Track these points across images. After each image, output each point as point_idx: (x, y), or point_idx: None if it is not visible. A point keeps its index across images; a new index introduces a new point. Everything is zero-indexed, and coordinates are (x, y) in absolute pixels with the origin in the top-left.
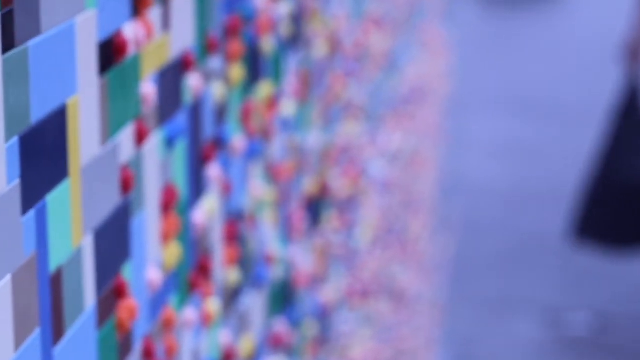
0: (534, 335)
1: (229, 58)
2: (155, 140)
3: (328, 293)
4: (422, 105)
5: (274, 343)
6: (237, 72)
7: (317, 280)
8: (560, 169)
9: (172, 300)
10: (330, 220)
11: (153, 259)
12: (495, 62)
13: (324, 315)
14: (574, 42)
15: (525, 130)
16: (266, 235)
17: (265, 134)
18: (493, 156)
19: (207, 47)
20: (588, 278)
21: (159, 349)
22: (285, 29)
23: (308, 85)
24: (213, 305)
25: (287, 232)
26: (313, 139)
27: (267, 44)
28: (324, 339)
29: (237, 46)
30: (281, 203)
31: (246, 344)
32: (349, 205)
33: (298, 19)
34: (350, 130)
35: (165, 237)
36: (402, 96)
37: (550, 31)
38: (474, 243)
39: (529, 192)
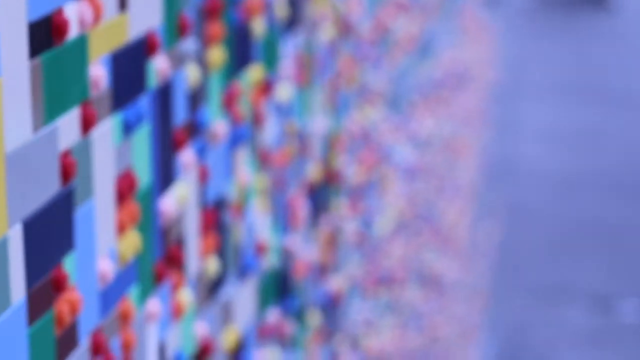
0: (585, 322)
1: (207, 40)
2: (108, 126)
3: (337, 282)
4: (460, 91)
5: (266, 334)
6: (217, 55)
7: (324, 269)
8: (613, 155)
9: (132, 292)
10: (341, 207)
11: (105, 249)
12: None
13: (331, 305)
14: (630, 33)
15: (579, 116)
16: (256, 224)
17: (257, 120)
18: (547, 142)
19: (178, 28)
20: (639, 265)
21: (114, 343)
22: (280, 11)
23: (310, 70)
24: (185, 296)
25: (284, 220)
26: (317, 124)
27: (258, 27)
28: (333, 329)
29: (216, 28)
30: (277, 190)
31: (230, 336)
32: (364, 192)
33: (297, 1)
34: (367, 116)
35: (122, 227)
36: (436, 82)
37: (606, 21)
38: (526, 229)
39: (582, 178)
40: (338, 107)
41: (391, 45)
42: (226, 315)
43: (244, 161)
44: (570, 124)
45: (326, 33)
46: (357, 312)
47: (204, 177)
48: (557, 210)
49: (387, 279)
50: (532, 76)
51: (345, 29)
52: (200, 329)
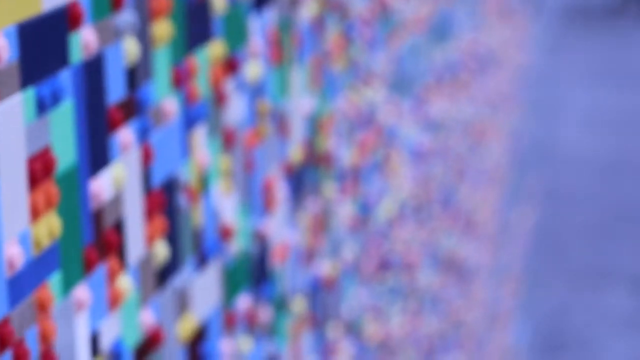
0: (624, 306)
1: (151, 14)
2: (16, 102)
3: (326, 267)
4: (485, 74)
5: (234, 322)
6: (163, 29)
7: (311, 253)
8: None
9: (52, 279)
10: (331, 190)
11: (14, 234)
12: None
13: (321, 291)
14: None
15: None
16: (220, 207)
17: (219, 98)
18: (589, 127)
19: (110, 0)
20: None
21: (30, 335)
22: None
23: (289, 48)
24: (124, 283)
25: (259, 203)
26: (300, 104)
27: (219, 1)
28: (324, 316)
29: (161, 1)
30: (249, 172)
31: (185, 325)
32: (362, 174)
33: None
34: (364, 97)
35: (36, 210)
36: (453, 64)
37: None
38: (566, 213)
39: (625, 163)
40: (326, 87)
41: (395, 26)
42: (181, 303)
43: (202, 141)
44: (610, 108)
45: (309, 9)
46: (355, 298)
47: (148, 158)
48: (597, 195)
49: (392, 263)
50: (572, 61)
51: (333, 6)
52: (147, 317)
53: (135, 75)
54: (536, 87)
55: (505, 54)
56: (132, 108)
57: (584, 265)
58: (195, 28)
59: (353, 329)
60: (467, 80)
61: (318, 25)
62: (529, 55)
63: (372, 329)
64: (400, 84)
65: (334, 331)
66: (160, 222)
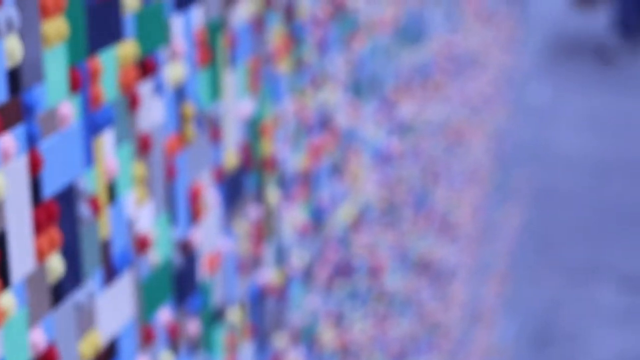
0: (614, 303)
1: (42, 12)
2: None
3: (269, 275)
4: (463, 75)
5: (151, 338)
6: (56, 28)
7: (253, 262)
8: None
9: None
10: (275, 196)
11: None
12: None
13: (263, 300)
14: None
15: (614, 101)
16: (134, 216)
17: (132, 102)
18: (581, 127)
19: None
20: None
21: None
22: None
23: (220, 49)
24: (5, 302)
25: (183, 212)
26: (236, 107)
27: (130, 1)
28: (269, 325)
29: None
30: (172, 179)
31: (89, 342)
32: (314, 179)
33: None
34: (315, 99)
35: None
36: (425, 66)
37: None
38: (558, 212)
39: (616, 162)
40: (268, 89)
41: (355, 27)
42: (84, 320)
43: (109, 148)
44: (602, 109)
45: (246, 8)
46: (306, 305)
47: (36, 166)
48: (589, 194)
49: (353, 268)
50: (564, 63)
51: (276, 5)
52: (38, 337)
53: (20, 78)
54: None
55: (486, 55)
56: (16, 113)
57: (575, 262)
58: (99, 27)
59: (305, 337)
60: (441, 82)
61: (257, 25)
62: (513, 55)
63: (328, 336)
64: (363, 86)
65: (281, 340)
66: (53, 234)
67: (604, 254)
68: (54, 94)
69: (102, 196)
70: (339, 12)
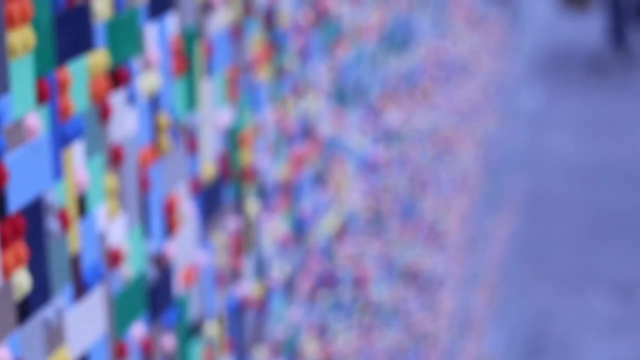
0: (607, 311)
1: (7, 22)
2: None
3: (248, 288)
4: (450, 82)
5: (123, 354)
6: (22, 38)
7: (232, 274)
8: (638, 146)
9: None
10: (254, 207)
11: None
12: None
13: (242, 313)
14: None
15: (607, 107)
16: (106, 229)
17: (103, 113)
18: (574, 132)
19: None
20: None
21: None
22: None
23: (197, 58)
24: None
25: (157, 224)
26: (212, 117)
27: (102, 8)
28: (249, 338)
29: (17, 7)
30: (144, 191)
31: (58, 358)
32: (296, 189)
33: None
34: (297, 108)
35: None
36: (413, 72)
37: None
38: (550, 219)
39: (609, 169)
40: (247, 98)
41: (339, 34)
42: (53, 336)
43: (79, 160)
44: (596, 115)
45: (224, 16)
46: (288, 317)
47: (1, 179)
48: (581, 201)
49: (336, 279)
50: (557, 68)
51: (255, 13)
52: (3, 355)
53: None
54: (519, 93)
55: (476, 61)
56: None
57: (566, 270)
58: (68, 36)
59: (286, 350)
60: (428, 89)
61: (235, 32)
62: (504, 62)
63: (311, 348)
64: (348, 94)
65: (261, 354)
66: (19, 250)
67: (596, 261)
68: (21, 106)
69: (72, 209)
70: (322, 19)
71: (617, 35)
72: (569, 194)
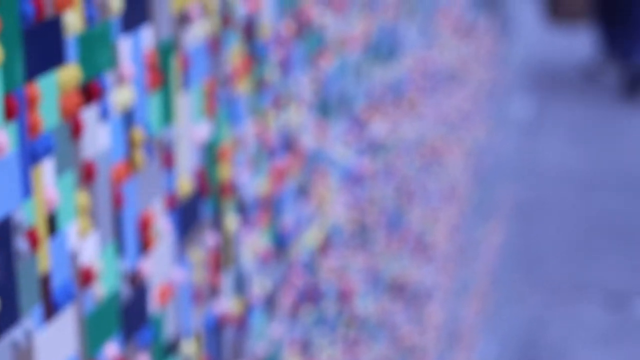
0: (599, 320)
1: None
2: None
3: (227, 304)
4: (438, 91)
5: None
6: None
7: (208, 291)
8: (631, 154)
9: None
10: (233, 222)
11: None
12: (568, 46)
13: (221, 330)
14: None
15: (598, 115)
16: (77, 248)
17: (75, 129)
18: (565, 141)
19: None
20: None
21: None
22: (103, 5)
23: (170, 71)
24: None
25: (131, 241)
26: (189, 131)
27: (73, 22)
28: (228, 356)
29: None
30: (117, 208)
31: None
32: (275, 203)
33: None
34: (278, 121)
35: None
36: (399, 83)
37: None
38: (543, 228)
39: (601, 177)
40: (226, 111)
41: (322, 45)
42: (21, 359)
43: (49, 178)
44: (588, 122)
45: (201, 29)
46: (269, 333)
47: None
48: (574, 209)
49: (320, 293)
50: (551, 74)
51: (234, 25)
52: None
53: None
54: (511, 101)
55: (465, 70)
56: None
57: (559, 279)
58: (38, 51)
59: None
60: (415, 99)
61: (213, 45)
62: (494, 70)
63: None
64: (331, 106)
65: None
66: None
67: (589, 270)
68: None
69: (42, 228)
70: (305, 30)
71: (609, 45)
72: (561, 202)
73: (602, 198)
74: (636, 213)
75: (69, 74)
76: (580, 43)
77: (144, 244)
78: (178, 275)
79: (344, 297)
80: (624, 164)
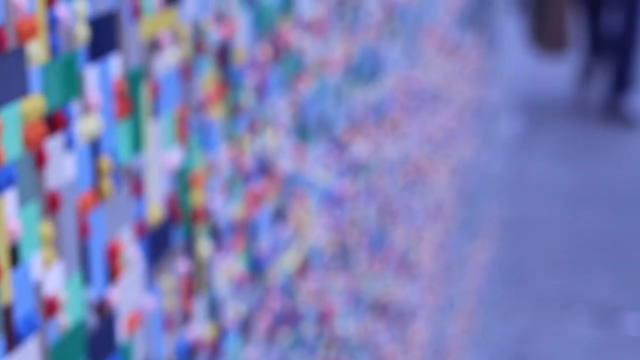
0: (589, 335)
1: None
2: None
3: (199, 330)
4: (422, 110)
5: None
6: None
7: (181, 317)
8: (618, 170)
9: None
10: (208, 248)
11: None
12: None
13: (194, 356)
14: None
15: (587, 134)
16: (41, 279)
17: (38, 159)
18: (553, 156)
19: None
20: None
21: None
22: (69, 34)
23: (140, 98)
24: None
25: (99, 270)
26: (159, 159)
27: (36, 52)
28: None
29: None
30: (84, 237)
31: None
32: (251, 228)
33: (107, 21)
34: (254, 145)
35: None
36: (381, 103)
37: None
38: (530, 244)
39: (588, 193)
40: (198, 137)
41: (301, 68)
42: None
43: (11, 209)
44: (574, 140)
45: (171, 55)
46: (244, 358)
47: None
48: (561, 225)
49: (298, 316)
50: (538, 93)
51: (207, 50)
52: None
53: None
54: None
55: (450, 89)
56: None
57: (547, 295)
58: (0, 83)
59: None
60: (398, 119)
61: (185, 71)
62: (481, 88)
63: None
64: (310, 129)
65: None
66: None
67: (576, 286)
68: None
69: (3, 260)
70: (282, 53)
71: (585, 78)
72: (547, 219)
73: (589, 215)
74: (622, 229)
75: (33, 104)
76: (568, 62)
77: (112, 272)
78: (148, 302)
79: (323, 318)
80: (610, 181)
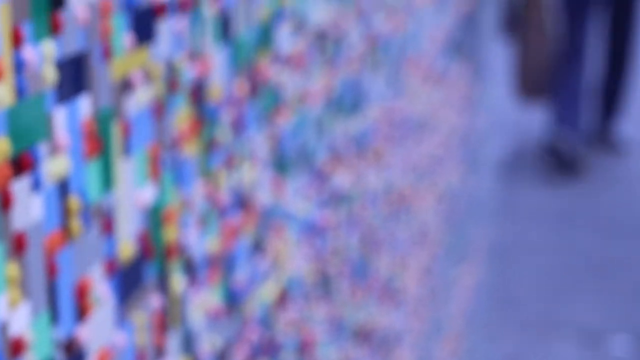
0: (576, 356)
1: None
2: None
3: None
4: (407, 139)
5: None
6: None
7: (154, 353)
8: (606, 194)
9: None
10: (181, 284)
11: None
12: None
13: None
14: None
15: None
16: (7, 320)
17: (4, 202)
18: (539, 181)
19: None
20: (630, 300)
21: None
22: (36, 76)
23: (110, 138)
24: None
25: (67, 309)
26: (131, 197)
27: (2, 96)
28: None
29: None
30: (52, 277)
31: None
32: (227, 261)
33: (77, 62)
34: (230, 180)
35: None
36: (364, 134)
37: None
38: (518, 266)
39: (576, 215)
40: (171, 174)
41: (279, 102)
42: None
43: None
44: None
45: (143, 94)
46: None
47: None
48: (549, 248)
49: (277, 346)
50: (526, 121)
51: (180, 88)
52: None
53: None
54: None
55: (435, 117)
56: None
57: (534, 318)
58: None
59: None
60: (381, 150)
61: (158, 110)
62: (467, 116)
63: None
64: (289, 162)
65: None
66: None
67: (563, 308)
68: None
69: None
70: (260, 88)
71: (567, 125)
72: (535, 242)
73: (575, 238)
74: (609, 252)
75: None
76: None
77: (81, 311)
78: (119, 339)
79: (304, 347)
80: (597, 205)
